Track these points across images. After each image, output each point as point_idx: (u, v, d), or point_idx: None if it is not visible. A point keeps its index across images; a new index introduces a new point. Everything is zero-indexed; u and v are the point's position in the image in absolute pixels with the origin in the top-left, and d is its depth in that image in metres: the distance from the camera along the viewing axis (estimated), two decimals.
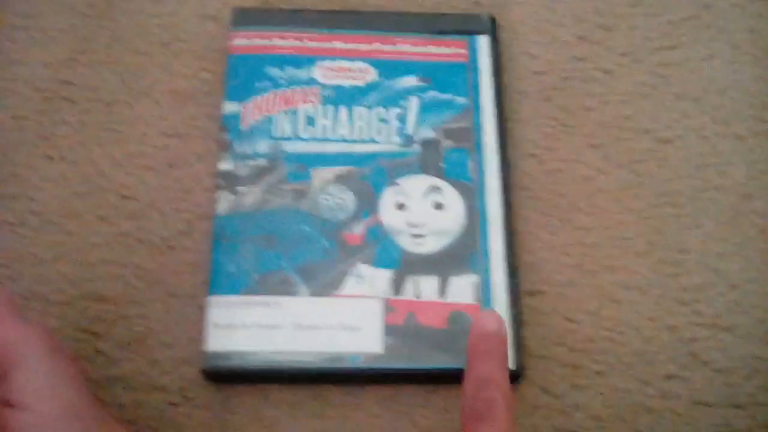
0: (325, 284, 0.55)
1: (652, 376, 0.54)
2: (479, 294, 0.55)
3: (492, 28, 0.64)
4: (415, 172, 0.59)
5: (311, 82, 0.61)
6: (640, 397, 0.54)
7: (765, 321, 0.56)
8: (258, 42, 0.63)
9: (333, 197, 0.57)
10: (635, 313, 0.56)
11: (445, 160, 0.59)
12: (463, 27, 0.64)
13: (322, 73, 0.62)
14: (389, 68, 0.62)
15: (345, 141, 0.59)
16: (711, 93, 0.64)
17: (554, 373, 0.55)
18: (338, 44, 0.63)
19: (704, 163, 0.61)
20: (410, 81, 0.62)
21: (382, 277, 0.55)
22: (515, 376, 0.53)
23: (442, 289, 0.55)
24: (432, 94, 0.61)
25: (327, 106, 0.61)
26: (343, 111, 0.60)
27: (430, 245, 0.56)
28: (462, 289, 0.55)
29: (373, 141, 0.60)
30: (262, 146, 0.59)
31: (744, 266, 0.58)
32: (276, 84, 0.61)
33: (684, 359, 0.55)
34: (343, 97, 0.61)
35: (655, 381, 0.54)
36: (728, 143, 0.62)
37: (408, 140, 0.60)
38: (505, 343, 0.47)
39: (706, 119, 0.63)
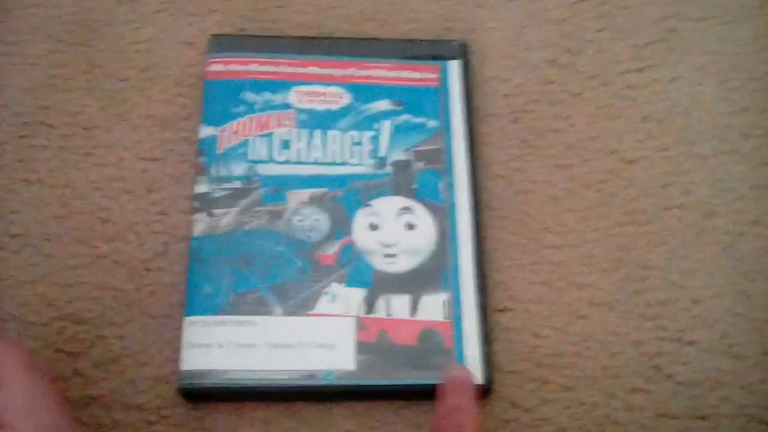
0: (299, 303, 0.56)
1: (618, 390, 0.56)
2: (450, 311, 0.56)
3: (463, 53, 0.66)
4: (388, 194, 0.60)
5: (286, 106, 0.63)
6: (606, 410, 0.55)
7: (727, 335, 0.57)
8: (234, 68, 0.64)
9: (307, 218, 0.59)
10: (601, 328, 0.57)
11: (417, 181, 0.60)
12: (435, 52, 0.66)
13: (297, 97, 0.63)
14: (363, 92, 0.64)
15: (319, 164, 0.61)
16: (675, 114, 0.65)
17: (523, 387, 0.56)
18: (313, 69, 0.64)
19: (668, 182, 0.62)
20: (383, 105, 0.63)
21: (355, 296, 0.56)
22: (485, 391, 0.54)
23: (414, 307, 0.56)
24: (404, 117, 0.63)
25: (302, 129, 0.62)
26: (317, 134, 0.62)
27: (402, 264, 0.57)
28: (433, 307, 0.56)
29: (346, 163, 0.61)
30: (238, 169, 0.60)
31: (707, 282, 0.59)
32: (252, 108, 0.62)
33: (649, 373, 0.56)
34: (318, 121, 0.62)
35: (621, 394, 0.56)
36: (692, 163, 0.63)
37: (381, 162, 0.61)
38: (472, 385, 0.50)
39: (671, 140, 0.64)
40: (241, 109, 0.62)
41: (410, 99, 0.63)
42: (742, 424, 0.55)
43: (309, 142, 0.61)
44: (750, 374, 0.56)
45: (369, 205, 0.59)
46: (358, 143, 0.62)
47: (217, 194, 0.59)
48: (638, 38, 0.68)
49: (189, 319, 0.55)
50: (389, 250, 0.58)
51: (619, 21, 0.69)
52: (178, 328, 0.55)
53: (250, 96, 0.63)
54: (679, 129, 0.65)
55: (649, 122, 0.65)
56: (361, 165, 0.61)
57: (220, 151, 0.60)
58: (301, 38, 0.66)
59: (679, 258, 0.60)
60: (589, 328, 0.58)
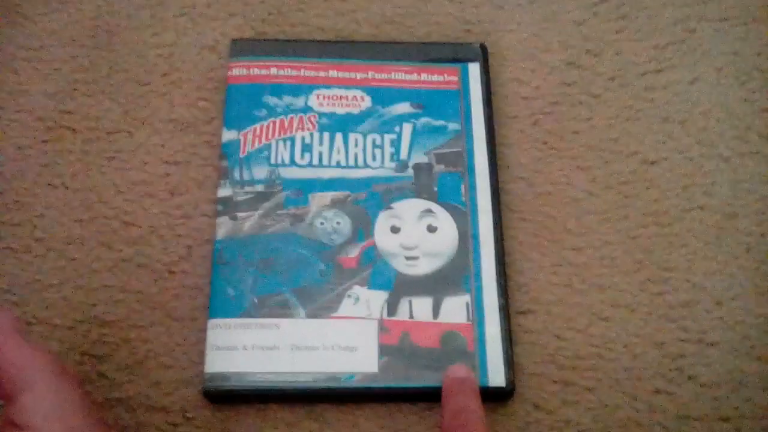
0: (321, 306, 0.56)
1: (640, 391, 0.56)
2: (471, 314, 0.56)
3: (482, 56, 0.66)
4: (409, 196, 0.60)
5: (308, 110, 0.63)
6: (628, 412, 0.55)
7: (749, 336, 0.57)
8: (256, 72, 0.64)
9: (329, 221, 0.59)
10: (623, 330, 0.58)
11: (438, 184, 0.60)
12: (455, 55, 0.66)
13: (318, 101, 0.63)
14: (383, 96, 0.64)
15: (340, 167, 0.61)
16: (696, 115, 0.65)
17: (545, 389, 0.56)
18: (334, 73, 0.65)
19: (690, 183, 0.62)
20: (404, 108, 0.63)
21: (377, 298, 0.56)
22: (507, 393, 0.55)
23: (436, 310, 0.56)
24: (425, 120, 0.63)
25: (323, 133, 0.62)
26: (338, 138, 0.62)
27: (423, 267, 0.58)
28: (454, 309, 0.56)
29: (367, 166, 0.61)
30: (260, 173, 0.60)
31: (729, 283, 0.59)
32: (273, 112, 0.63)
33: (671, 374, 0.56)
34: (339, 124, 0.63)
35: (643, 396, 0.56)
36: (713, 164, 0.63)
37: (402, 165, 0.61)
38: (475, 384, 0.52)
39: (692, 141, 0.64)
40: (263, 112, 0.62)
41: (430, 102, 0.64)
42: (765, 425, 0.55)
43: (330, 146, 0.62)
44: None
45: (390, 208, 0.59)
46: (379, 146, 0.62)
47: (239, 198, 0.59)
48: (658, 39, 0.68)
49: (213, 322, 0.55)
50: (411, 253, 0.58)
51: (639, 22, 0.69)
52: (202, 331, 0.56)
53: (271, 100, 0.63)
54: (700, 130, 0.65)
55: (670, 123, 0.65)
56: (382, 168, 0.61)
57: (242, 154, 0.61)
58: (322, 42, 0.67)
59: (701, 259, 0.60)
60: (611, 330, 0.58)
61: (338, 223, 0.59)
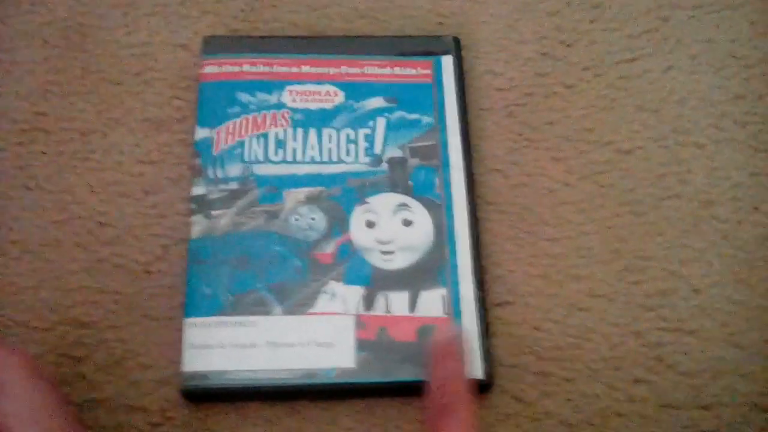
0: (298, 303, 0.56)
1: (620, 381, 0.56)
2: (448, 307, 0.56)
3: (456, 49, 0.66)
4: (384, 191, 0.60)
5: (281, 106, 0.63)
6: (608, 402, 0.55)
7: (728, 324, 0.57)
8: (228, 69, 0.64)
9: (304, 218, 0.59)
10: (601, 320, 0.58)
11: (413, 177, 0.60)
12: (428, 48, 0.66)
13: (291, 97, 0.63)
14: (356, 90, 0.64)
15: (315, 162, 0.61)
16: (670, 103, 0.65)
17: (524, 381, 0.56)
18: (306, 69, 0.64)
19: (665, 172, 0.63)
20: (377, 102, 0.63)
21: (354, 293, 0.56)
22: (486, 386, 0.55)
23: (412, 304, 0.56)
24: (399, 114, 0.63)
25: (297, 129, 0.62)
26: (312, 133, 0.62)
27: (399, 261, 0.58)
28: (431, 303, 0.56)
29: (342, 161, 0.61)
30: (234, 170, 0.60)
31: (706, 271, 0.59)
32: (246, 109, 0.62)
33: (650, 363, 0.56)
34: (312, 120, 0.62)
35: (623, 386, 0.56)
36: (688, 152, 0.63)
37: (376, 160, 0.61)
38: (461, 348, 0.51)
39: (667, 129, 0.64)
40: (236, 109, 0.62)
41: (404, 95, 0.64)
42: (744, 412, 0.55)
43: (304, 142, 0.61)
44: (751, 363, 0.56)
45: (365, 203, 0.59)
46: (353, 141, 0.62)
47: (214, 196, 0.59)
48: (631, 28, 0.68)
49: (189, 321, 0.55)
50: (386, 247, 0.58)
51: (612, 11, 0.69)
52: (179, 330, 0.55)
53: (244, 96, 0.63)
54: (675, 118, 0.65)
55: (645, 112, 0.65)
56: (356, 163, 0.61)
57: (215, 152, 0.61)
58: (294, 38, 0.67)
59: (678, 247, 0.60)
60: (589, 320, 0.58)
61: (313, 219, 0.59)
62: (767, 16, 0.69)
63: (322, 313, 0.56)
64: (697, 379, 0.56)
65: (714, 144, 0.64)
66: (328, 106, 0.63)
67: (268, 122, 0.62)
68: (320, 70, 0.64)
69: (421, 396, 0.52)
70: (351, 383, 0.54)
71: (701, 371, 0.56)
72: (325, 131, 0.62)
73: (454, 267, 0.57)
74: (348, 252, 0.58)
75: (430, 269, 0.57)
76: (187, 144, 0.62)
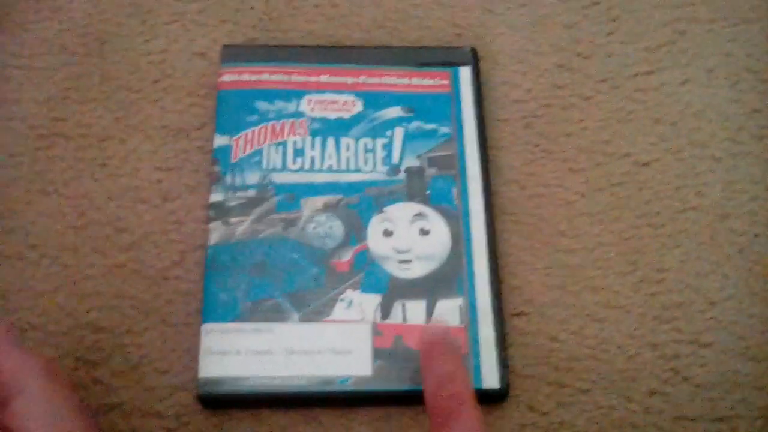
0: (314, 310, 0.56)
1: (636, 393, 0.56)
2: (465, 316, 0.56)
3: (473, 60, 0.66)
4: (401, 200, 0.60)
5: (299, 114, 0.63)
6: (623, 414, 0.55)
7: (744, 337, 0.57)
8: (247, 77, 0.64)
9: (322, 226, 0.59)
10: (617, 331, 0.58)
11: (430, 187, 0.61)
12: (446, 59, 0.66)
13: (309, 106, 0.63)
14: (375, 100, 0.64)
15: (332, 171, 0.61)
16: (687, 116, 0.65)
17: (540, 391, 0.56)
18: (325, 78, 0.65)
19: (682, 184, 0.63)
20: (395, 112, 0.63)
21: (370, 302, 0.56)
22: (501, 395, 0.55)
23: (429, 313, 0.56)
24: (416, 124, 0.63)
25: (315, 137, 0.62)
26: (330, 142, 0.62)
27: (416, 270, 0.58)
28: (448, 312, 0.56)
29: (359, 170, 0.61)
30: (252, 178, 0.60)
31: (722, 284, 0.59)
32: (265, 117, 0.63)
33: (666, 375, 0.56)
34: (331, 129, 0.63)
35: (639, 397, 0.56)
36: (705, 165, 0.63)
37: (394, 169, 0.61)
38: (456, 343, 0.51)
39: (683, 142, 0.64)
40: (255, 118, 0.62)
41: (422, 105, 0.64)
42: (760, 425, 0.55)
43: (322, 150, 0.62)
44: (767, 375, 0.56)
45: (383, 212, 0.59)
46: (371, 150, 0.62)
47: (232, 203, 0.59)
48: (648, 41, 0.69)
49: (206, 327, 0.55)
50: (403, 256, 0.58)
51: (629, 24, 0.69)
52: (196, 336, 0.55)
53: (263, 105, 0.63)
54: (692, 131, 0.65)
55: (662, 125, 0.65)
56: (374, 172, 0.61)
57: (234, 160, 0.61)
58: (313, 47, 0.67)
59: (694, 260, 0.60)
60: (605, 331, 0.58)
61: (331, 227, 0.59)
62: None
63: (339, 321, 0.56)
64: (712, 391, 0.56)
65: (730, 157, 0.64)
66: (346, 115, 0.63)
67: (286, 131, 0.62)
68: (339, 79, 0.65)
69: None
70: (367, 391, 0.54)
71: (717, 383, 0.56)
72: (343, 140, 0.62)
73: (471, 276, 0.57)
74: (365, 260, 0.58)
75: (447, 278, 0.57)
76: (206, 151, 0.63)
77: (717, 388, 0.56)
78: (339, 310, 0.56)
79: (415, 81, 0.65)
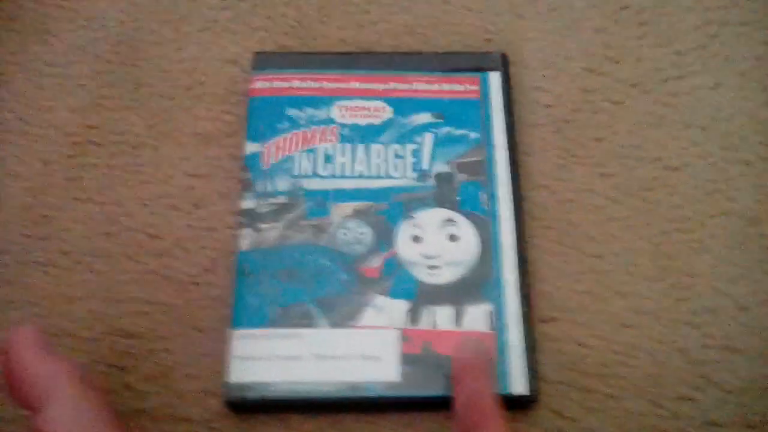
0: (343, 316, 0.56)
1: (665, 399, 0.55)
2: (493, 322, 0.56)
3: (503, 65, 0.66)
4: (430, 206, 0.60)
5: (329, 121, 0.63)
6: (652, 420, 0.55)
7: None
8: (278, 84, 0.65)
9: (351, 232, 0.59)
10: (647, 337, 0.57)
11: (459, 193, 0.61)
12: (475, 64, 0.66)
13: (339, 112, 0.64)
14: (404, 106, 0.64)
15: (362, 177, 0.61)
16: (718, 120, 0.65)
17: (568, 397, 0.56)
18: (355, 84, 0.65)
19: (713, 189, 0.62)
20: (425, 118, 0.64)
21: (399, 308, 0.57)
22: (529, 401, 0.55)
23: (458, 319, 0.56)
24: (446, 129, 0.63)
25: (345, 144, 0.63)
26: (360, 148, 0.62)
27: (445, 276, 0.58)
28: (477, 318, 0.56)
29: (389, 177, 0.61)
30: (283, 184, 0.61)
31: (753, 289, 0.59)
32: (295, 124, 0.63)
33: (695, 381, 0.56)
34: (360, 135, 0.63)
35: (668, 403, 0.55)
36: (736, 169, 0.63)
37: (423, 175, 0.61)
38: (486, 363, 0.51)
39: (714, 146, 0.64)
40: (285, 125, 0.63)
41: (451, 111, 0.64)
42: None
43: (352, 156, 0.62)
44: None
45: (412, 218, 0.60)
46: (401, 156, 0.62)
47: (262, 209, 0.60)
48: (679, 45, 0.68)
49: (236, 332, 0.55)
50: (432, 262, 0.58)
51: (660, 28, 0.69)
52: (226, 342, 0.56)
53: (293, 112, 0.63)
54: (723, 135, 0.64)
55: (692, 129, 0.65)
56: (403, 178, 0.61)
57: (264, 166, 0.61)
58: (343, 54, 0.67)
59: (725, 265, 0.60)
60: (635, 337, 0.57)
61: (360, 233, 0.59)
62: None
63: (368, 327, 0.56)
64: (742, 397, 0.55)
65: (762, 161, 0.63)
66: (376, 121, 0.63)
67: (317, 137, 0.62)
68: (369, 86, 0.65)
69: None
70: (395, 397, 0.54)
71: (747, 389, 0.56)
72: (373, 146, 0.62)
73: (500, 282, 0.57)
74: (394, 266, 0.58)
75: (476, 284, 0.57)
76: (236, 158, 0.63)
77: (747, 394, 0.56)
78: (368, 316, 0.56)
79: (444, 87, 0.65)
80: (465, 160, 0.62)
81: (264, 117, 0.63)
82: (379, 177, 0.61)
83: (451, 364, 0.52)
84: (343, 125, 0.63)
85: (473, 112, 0.64)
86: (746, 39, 0.68)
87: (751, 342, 0.57)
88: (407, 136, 0.63)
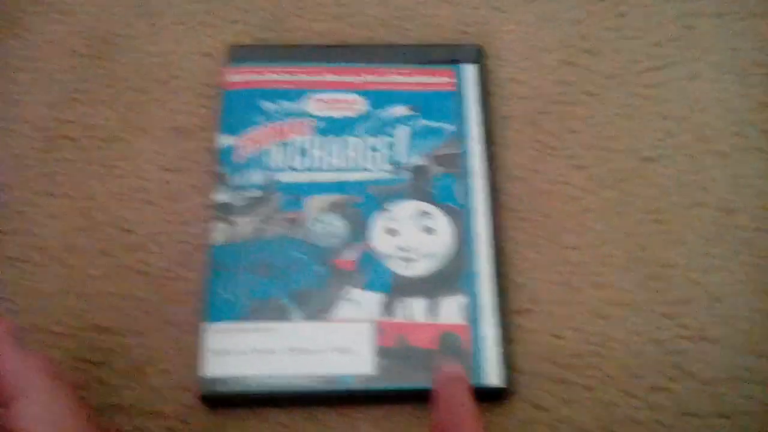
0: (318, 309, 0.56)
1: (639, 389, 0.55)
2: (468, 314, 0.56)
3: (479, 57, 0.66)
4: (406, 198, 0.60)
5: (304, 114, 0.63)
6: (627, 410, 0.55)
7: (748, 332, 0.57)
8: (252, 77, 0.64)
9: (325, 225, 0.59)
10: (621, 328, 0.57)
11: (434, 185, 0.60)
12: (451, 57, 0.66)
13: (314, 105, 0.63)
14: (379, 99, 0.64)
15: (337, 170, 0.61)
16: (694, 112, 0.65)
17: (543, 388, 0.56)
18: (330, 77, 0.65)
19: (688, 180, 0.62)
20: (400, 110, 0.63)
21: (374, 300, 0.56)
22: (504, 393, 0.55)
23: (432, 311, 0.56)
24: (421, 122, 0.63)
25: (320, 137, 0.62)
26: (335, 141, 0.62)
27: (419, 268, 0.58)
28: (451, 309, 0.56)
29: (364, 169, 0.61)
30: (257, 177, 0.60)
31: (727, 279, 0.59)
32: (270, 117, 0.63)
33: (670, 371, 0.56)
34: (335, 128, 0.63)
35: (642, 393, 0.55)
36: (711, 160, 0.63)
37: (398, 167, 0.61)
38: (467, 381, 0.50)
39: (690, 137, 0.64)
40: (260, 118, 0.63)
41: (427, 104, 0.64)
42: (764, 420, 0.54)
43: (327, 149, 0.62)
44: None
45: (387, 210, 0.59)
46: (376, 149, 0.62)
47: (236, 203, 0.59)
48: (655, 36, 0.68)
49: (210, 327, 0.55)
50: (407, 255, 0.58)
51: (636, 20, 0.69)
52: (200, 336, 0.55)
53: (268, 105, 0.63)
54: (698, 127, 0.64)
55: (668, 120, 0.65)
56: (379, 170, 0.61)
57: (239, 160, 0.61)
58: (318, 46, 0.67)
59: (700, 256, 0.60)
60: (610, 328, 0.57)
61: (335, 226, 0.59)
62: None
63: (342, 320, 0.56)
64: (717, 387, 0.55)
65: (737, 152, 0.63)
66: (351, 114, 0.63)
67: (291, 130, 0.62)
68: (344, 78, 0.65)
69: None
70: (370, 389, 0.54)
71: (721, 379, 0.56)
72: (348, 139, 0.62)
73: (475, 274, 0.57)
74: (368, 259, 0.58)
75: (451, 276, 0.57)
76: (211, 151, 0.63)
77: (722, 384, 0.56)
78: (343, 309, 0.56)
79: (419, 79, 0.65)
80: (440, 152, 0.62)
81: (239, 110, 0.63)
82: (354, 170, 0.61)
83: (434, 377, 0.51)
84: (318, 118, 0.63)
85: (449, 105, 0.64)
86: (721, 31, 0.68)
87: (725, 332, 0.57)
88: (382, 128, 0.63)
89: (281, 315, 0.56)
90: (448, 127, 0.63)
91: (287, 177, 0.61)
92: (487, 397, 0.54)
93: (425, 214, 0.59)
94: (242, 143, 0.62)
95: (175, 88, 0.66)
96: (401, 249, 0.58)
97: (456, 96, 0.64)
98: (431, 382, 0.52)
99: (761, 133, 0.64)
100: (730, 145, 0.64)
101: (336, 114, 0.63)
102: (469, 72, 0.65)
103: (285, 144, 0.62)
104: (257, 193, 0.60)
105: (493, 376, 0.54)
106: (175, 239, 0.60)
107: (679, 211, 0.61)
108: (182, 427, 0.54)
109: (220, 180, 0.60)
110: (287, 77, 0.65)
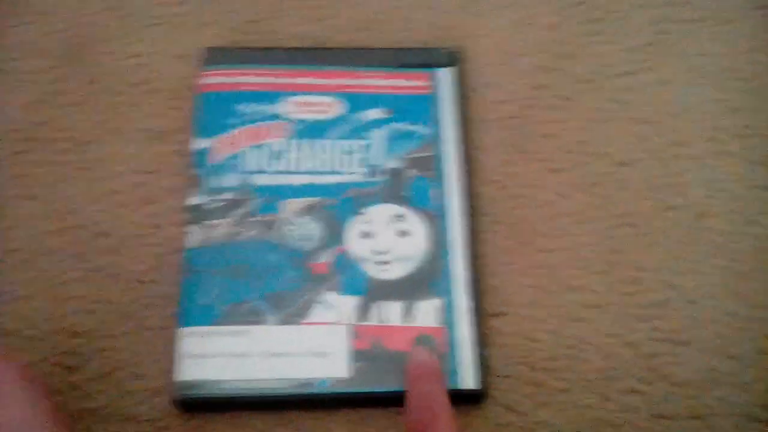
0: (292, 312, 0.56)
1: (613, 391, 0.56)
2: (443, 317, 0.56)
3: (454, 61, 0.66)
4: (380, 202, 0.60)
5: (279, 117, 0.63)
6: (601, 413, 0.55)
7: (721, 335, 0.57)
8: (227, 80, 0.64)
9: (300, 228, 0.59)
10: (595, 330, 0.58)
11: (410, 188, 0.60)
12: (427, 60, 0.66)
13: (289, 108, 0.63)
14: (355, 102, 0.64)
15: (312, 173, 0.61)
16: (668, 116, 0.65)
17: (518, 391, 0.56)
18: (305, 80, 0.65)
19: (662, 184, 0.62)
20: (375, 113, 0.63)
21: (348, 303, 0.56)
22: (479, 396, 0.55)
23: (407, 314, 0.56)
24: (396, 125, 0.63)
25: (295, 139, 0.62)
26: (310, 144, 0.62)
27: (394, 271, 0.58)
28: (426, 313, 0.56)
29: (339, 172, 0.61)
30: (231, 180, 0.60)
31: (700, 282, 0.59)
32: (244, 120, 0.63)
33: (643, 374, 0.56)
34: (310, 131, 0.63)
35: (616, 396, 0.56)
36: (685, 164, 0.63)
37: (373, 170, 0.61)
38: (438, 366, 0.52)
39: (664, 141, 0.64)
40: (234, 120, 0.62)
41: (402, 107, 0.64)
42: (738, 423, 0.55)
43: (302, 152, 0.62)
44: (745, 373, 0.56)
45: (362, 213, 0.59)
46: (351, 152, 0.62)
47: (210, 206, 0.59)
48: (630, 41, 0.69)
49: (184, 330, 0.55)
50: (382, 258, 0.58)
51: (611, 25, 0.69)
52: (174, 340, 0.55)
53: (242, 107, 0.63)
54: (672, 131, 0.65)
55: (642, 125, 0.65)
56: (353, 173, 0.61)
57: (213, 162, 0.61)
58: (294, 49, 0.67)
59: (673, 259, 0.60)
60: (584, 331, 0.58)
61: (309, 229, 0.59)
62: (764, 31, 0.69)
63: (317, 323, 0.56)
64: (691, 389, 0.56)
65: (710, 156, 0.64)
66: (326, 117, 0.63)
67: (266, 133, 0.62)
68: (319, 81, 0.64)
69: None
70: (345, 393, 0.54)
71: (695, 382, 0.56)
72: (323, 142, 0.62)
73: (450, 277, 0.57)
74: (343, 262, 0.58)
75: (426, 279, 0.57)
76: (185, 154, 0.63)
77: (695, 386, 0.56)
78: (317, 313, 0.56)
79: (396, 82, 0.65)
80: (416, 155, 0.62)
81: (213, 112, 0.63)
82: (329, 173, 0.61)
83: (405, 367, 0.53)
84: (293, 121, 0.63)
85: (424, 108, 0.64)
86: (695, 36, 0.69)
87: (699, 335, 0.57)
88: (358, 131, 0.63)
89: (256, 318, 0.56)
90: (424, 131, 0.63)
91: (262, 180, 0.60)
92: (461, 400, 0.54)
93: (400, 217, 0.59)
94: (217, 146, 0.61)
95: (150, 91, 0.66)
96: (376, 252, 0.58)
97: (432, 99, 0.64)
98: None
99: (734, 138, 0.64)
100: (704, 150, 0.64)
101: (312, 117, 0.63)
102: (445, 76, 0.65)
103: (260, 147, 0.62)
104: (231, 196, 0.60)
105: (468, 379, 0.54)
106: (149, 242, 0.60)
107: (653, 215, 0.61)
108: None
109: (193, 183, 0.60)
110: (263, 80, 0.64)
